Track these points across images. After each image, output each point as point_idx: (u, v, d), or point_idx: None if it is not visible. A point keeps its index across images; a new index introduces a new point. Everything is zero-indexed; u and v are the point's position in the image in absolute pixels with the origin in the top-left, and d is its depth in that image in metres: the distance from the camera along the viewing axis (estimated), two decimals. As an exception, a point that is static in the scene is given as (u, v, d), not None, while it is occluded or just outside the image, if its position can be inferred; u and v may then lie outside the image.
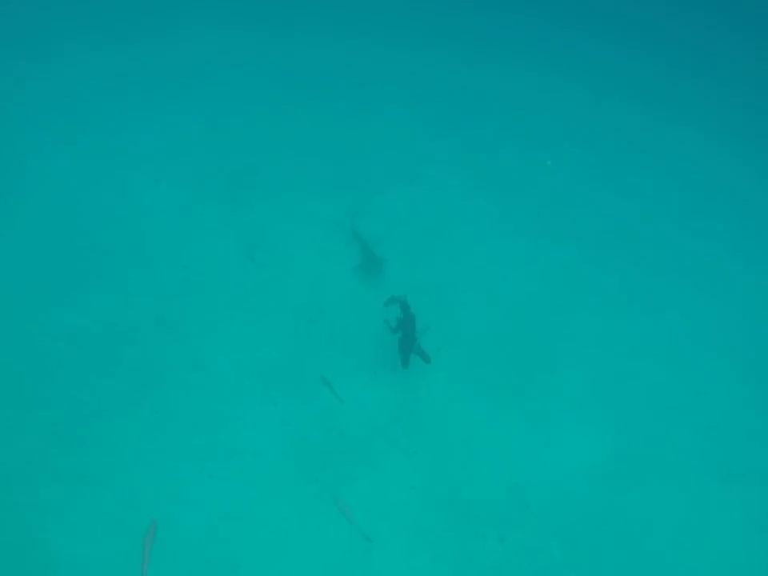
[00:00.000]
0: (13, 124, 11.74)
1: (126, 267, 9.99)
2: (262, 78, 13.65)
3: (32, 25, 13.52)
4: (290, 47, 14.30)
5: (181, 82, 13.19)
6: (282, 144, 12.41)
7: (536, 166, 12.92)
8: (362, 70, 14.13)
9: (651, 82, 14.84)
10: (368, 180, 12.04)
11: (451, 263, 10.95)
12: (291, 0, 15.27)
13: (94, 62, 13.15)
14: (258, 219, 11.13)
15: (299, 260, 10.60)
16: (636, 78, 14.89)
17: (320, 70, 13.97)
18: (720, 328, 10.41)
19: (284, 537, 7.49)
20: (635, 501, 8.26)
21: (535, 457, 8.71)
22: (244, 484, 7.91)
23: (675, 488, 8.39)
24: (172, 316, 9.49)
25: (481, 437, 8.80)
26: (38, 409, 8.17)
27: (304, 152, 12.37)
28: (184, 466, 7.96)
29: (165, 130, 12.26)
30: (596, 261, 11.27)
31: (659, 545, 7.85)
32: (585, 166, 13.12)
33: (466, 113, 13.84)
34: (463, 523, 7.90)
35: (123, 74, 13.05)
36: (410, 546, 7.61)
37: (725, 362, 9.93)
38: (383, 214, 11.55)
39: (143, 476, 7.78)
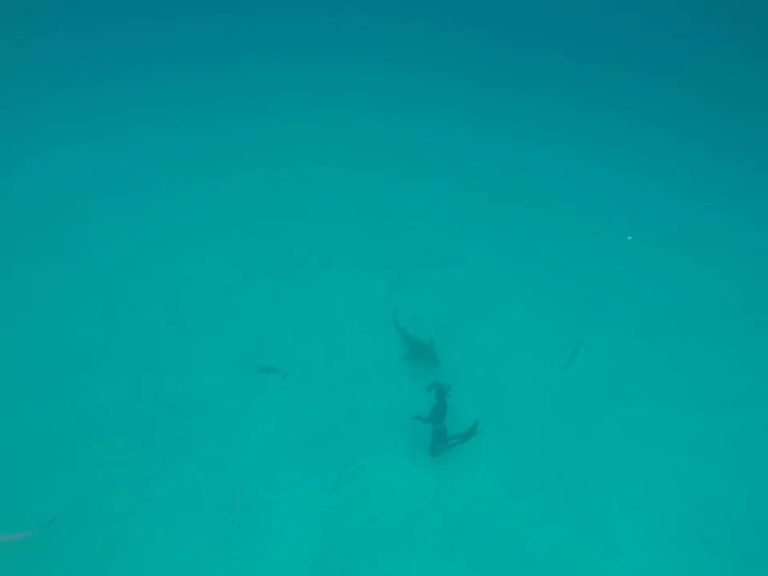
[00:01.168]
0: (65, 199, 13.16)
1: (170, 339, 10.30)
2: (306, 154, 15.38)
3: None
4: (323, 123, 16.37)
5: (228, 158, 14.98)
6: (325, 221, 13.26)
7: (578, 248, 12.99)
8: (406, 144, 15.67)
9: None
10: (409, 258, 12.42)
11: (496, 346, 10.68)
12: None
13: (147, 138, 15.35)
14: (301, 294, 11.44)
15: (341, 335, 10.65)
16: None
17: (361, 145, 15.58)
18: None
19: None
20: None
21: (591, 569, 7.68)
22: (265, 568, 7.35)
23: None
24: (212, 388, 9.55)
25: (525, 540, 7.89)
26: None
27: (347, 230, 13.08)
28: (206, 543, 7.56)
29: (209, 203, 13.49)
30: (648, 349, 10.69)
31: None
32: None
33: (508, 193, 14.62)
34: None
35: (172, 153, 15.07)
36: None
37: None
38: (424, 293, 11.65)
39: (160, 549, 7.44)
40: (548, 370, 10.26)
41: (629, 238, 13.16)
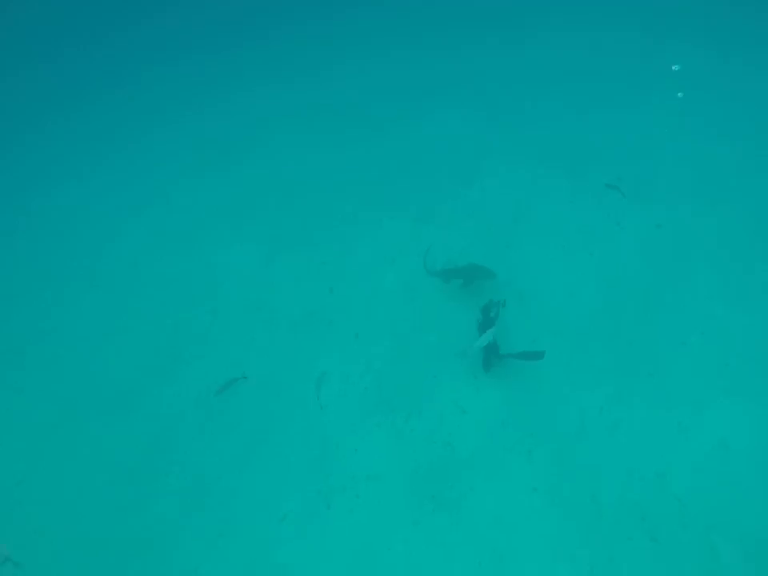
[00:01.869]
0: (90, 191, 13.91)
1: (214, 333, 10.72)
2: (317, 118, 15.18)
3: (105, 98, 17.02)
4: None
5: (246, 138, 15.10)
6: (342, 179, 13.13)
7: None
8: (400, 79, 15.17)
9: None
10: (431, 190, 12.11)
11: (535, 251, 10.44)
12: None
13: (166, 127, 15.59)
14: (334, 256, 11.55)
15: (378, 284, 10.73)
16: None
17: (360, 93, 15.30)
18: None
19: (407, 557, 7.26)
20: None
21: (674, 441, 7.63)
22: (361, 510, 7.86)
23: None
24: (272, 366, 9.98)
25: (603, 427, 7.95)
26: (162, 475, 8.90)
27: (366, 181, 12.93)
28: (303, 501, 8.14)
29: (228, 185, 13.74)
30: (690, 218, 10.02)
31: None
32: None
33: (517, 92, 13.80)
34: (602, 525, 7.05)
35: (191, 136, 15.24)
36: (546, 557, 6.94)
37: None
38: (453, 217, 11.43)
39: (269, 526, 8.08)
40: (594, 265, 9.88)
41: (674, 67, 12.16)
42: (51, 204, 14.50)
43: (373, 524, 7.65)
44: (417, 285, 10.45)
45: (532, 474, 7.64)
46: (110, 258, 12.56)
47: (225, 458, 8.83)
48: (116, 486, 8.65)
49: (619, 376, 8.38)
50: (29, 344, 11.00)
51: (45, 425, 9.57)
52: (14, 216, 14.32)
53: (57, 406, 9.85)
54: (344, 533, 7.63)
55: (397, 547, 7.36)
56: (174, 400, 9.70)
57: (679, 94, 12.30)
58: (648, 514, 7.02)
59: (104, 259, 12.57)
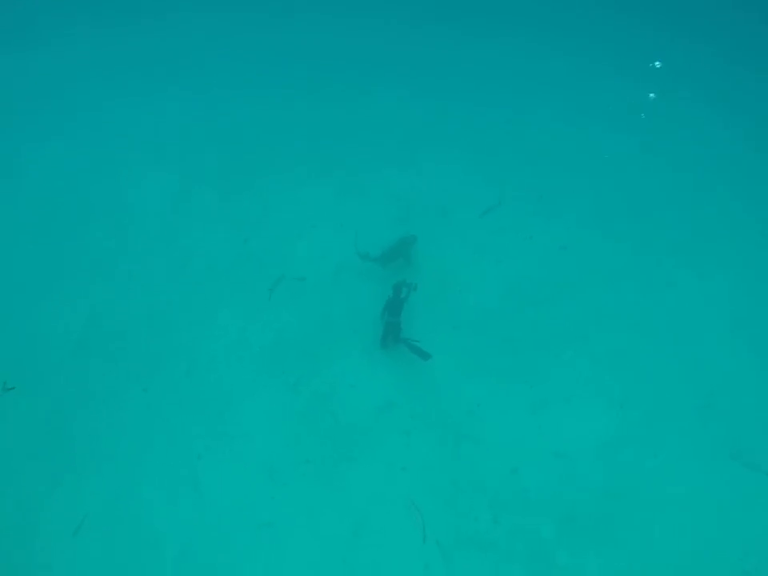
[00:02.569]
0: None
1: (118, 258, 10.11)
2: (252, 63, 13.92)
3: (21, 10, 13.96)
4: (280, 29, 14.55)
5: (170, 69, 13.54)
6: (274, 129, 12.51)
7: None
8: (354, 51, 14.20)
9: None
10: (360, 162, 11.97)
11: (453, 245, 10.76)
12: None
13: (84, 49, 13.61)
14: (252, 204, 11.13)
15: (292, 244, 10.53)
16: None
17: (311, 53, 14.14)
18: (721, 305, 9.89)
19: (274, 516, 7.45)
20: (634, 482, 7.88)
21: (535, 440, 8.40)
22: (234, 465, 7.87)
23: (675, 468, 8.00)
24: (165, 305, 9.57)
25: (477, 420, 8.56)
26: (27, 397, 8.29)
27: (296, 136, 12.42)
28: (173, 449, 7.97)
29: (153, 117, 12.52)
30: (593, 240, 10.92)
31: (657, 524, 7.50)
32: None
33: (460, 91, 13.75)
34: (456, 505, 7.71)
35: (113, 61, 13.39)
36: (402, 528, 7.46)
37: (727, 338, 9.41)
38: (379, 195, 11.41)
39: (134, 460, 7.85)
40: (501, 273, 10.49)
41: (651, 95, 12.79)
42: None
43: (238, 480, 7.71)
44: (332, 255, 10.42)
45: (406, 454, 8.10)
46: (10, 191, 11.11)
47: (93, 389, 8.50)
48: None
49: (501, 376, 9.04)
50: None
51: None
52: None
53: None
54: (210, 487, 7.62)
55: (260, 505, 7.50)
56: (59, 323, 9.04)
57: (651, 95, 13.08)
58: (496, 502, 7.77)
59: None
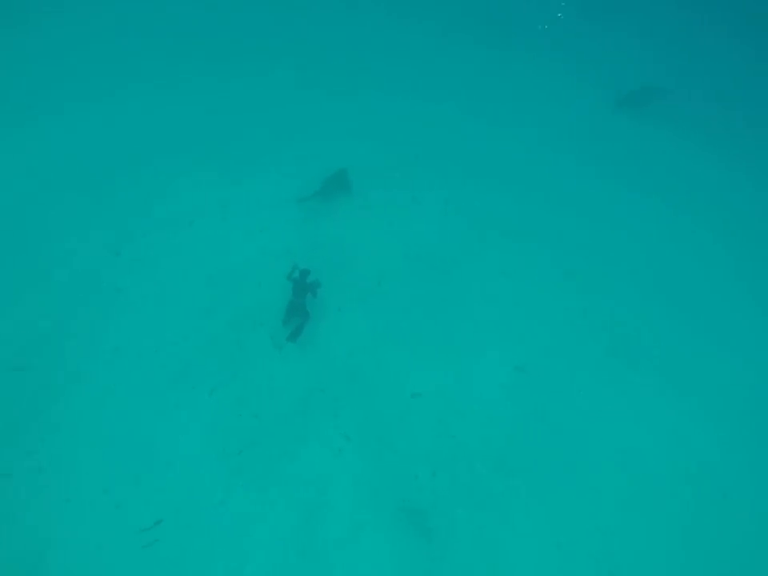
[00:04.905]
0: None
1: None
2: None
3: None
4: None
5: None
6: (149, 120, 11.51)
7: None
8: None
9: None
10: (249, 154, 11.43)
11: (344, 224, 10.76)
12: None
13: None
14: (119, 212, 10.07)
15: (168, 251, 9.78)
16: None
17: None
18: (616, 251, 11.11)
19: (225, 529, 7.19)
20: (540, 418, 8.70)
21: (452, 389, 8.91)
22: (158, 495, 7.38)
23: (573, 402, 8.94)
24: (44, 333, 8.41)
25: (400, 384, 8.84)
26: None
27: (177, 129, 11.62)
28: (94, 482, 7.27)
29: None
30: (470, 193, 11.52)
31: (564, 447, 8.41)
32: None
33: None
34: (396, 469, 7.98)
35: None
36: (355, 509, 7.58)
37: (624, 284, 10.66)
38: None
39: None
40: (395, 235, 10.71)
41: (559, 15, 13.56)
42: None
43: (176, 507, 7.27)
44: (218, 250, 9.89)
45: (338, 434, 8.16)
46: None
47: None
48: None
49: (413, 338, 9.37)
50: None
51: None
52: None
53: None
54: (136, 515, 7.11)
55: (204, 522, 7.18)
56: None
57: (559, 14, 13.87)
58: (430, 456, 8.17)
59: None
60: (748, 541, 7.76)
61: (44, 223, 9.70)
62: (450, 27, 15.64)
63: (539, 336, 9.69)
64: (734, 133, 14.07)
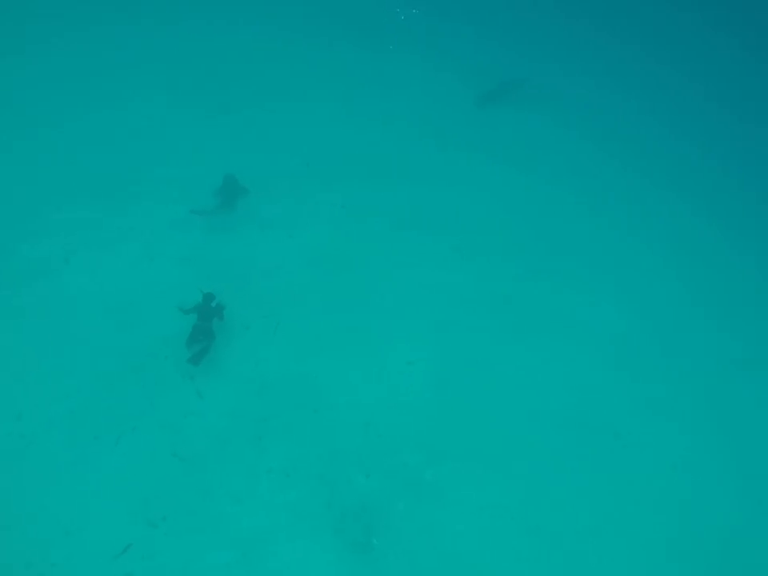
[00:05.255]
0: None
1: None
2: None
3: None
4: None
5: None
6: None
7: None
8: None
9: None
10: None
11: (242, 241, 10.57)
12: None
13: None
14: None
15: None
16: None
17: None
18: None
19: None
20: (460, 409, 9.02)
21: (373, 388, 9.02)
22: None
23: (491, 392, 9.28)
24: None
25: (322, 392, 8.80)
26: None
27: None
28: None
29: None
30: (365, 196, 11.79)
31: (486, 433, 8.79)
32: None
33: None
34: (330, 477, 7.98)
35: None
36: (290, 528, 7.47)
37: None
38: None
39: None
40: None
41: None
42: None
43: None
44: (105, 287, 9.27)
45: (266, 456, 7.97)
46: None
47: None
48: None
49: (327, 343, 9.36)
50: None
51: None
52: None
53: None
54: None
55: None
56: None
57: (414, 10, 14.32)
58: (362, 459, 8.25)
59: None
60: (638, 474, 8.66)
61: None
62: (318, 31, 15.63)
63: (447, 318, 10.12)
64: (588, 105, 15.58)
